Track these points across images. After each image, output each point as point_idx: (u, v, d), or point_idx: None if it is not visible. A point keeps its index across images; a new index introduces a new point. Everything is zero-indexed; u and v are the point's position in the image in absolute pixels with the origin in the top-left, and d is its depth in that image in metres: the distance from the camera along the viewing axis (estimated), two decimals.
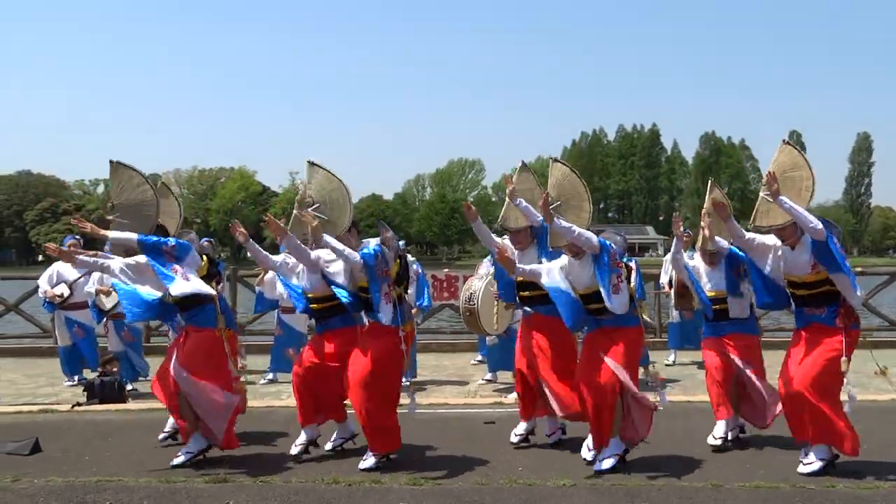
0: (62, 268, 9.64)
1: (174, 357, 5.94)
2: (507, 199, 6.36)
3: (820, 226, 5.24)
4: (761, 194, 5.52)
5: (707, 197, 6.13)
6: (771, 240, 5.60)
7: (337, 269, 5.88)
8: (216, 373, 5.89)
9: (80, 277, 9.52)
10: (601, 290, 5.57)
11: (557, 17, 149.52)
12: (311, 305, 6.14)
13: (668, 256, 6.17)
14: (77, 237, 9.57)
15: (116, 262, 5.83)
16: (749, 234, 5.68)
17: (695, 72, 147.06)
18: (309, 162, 5.95)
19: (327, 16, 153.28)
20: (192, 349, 5.90)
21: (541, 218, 5.96)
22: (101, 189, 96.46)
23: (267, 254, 6.19)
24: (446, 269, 12.94)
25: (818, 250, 5.35)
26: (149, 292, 5.74)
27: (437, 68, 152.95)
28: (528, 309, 6.37)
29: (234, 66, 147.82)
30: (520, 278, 6.09)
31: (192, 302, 5.89)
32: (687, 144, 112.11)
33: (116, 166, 6.03)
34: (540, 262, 6.10)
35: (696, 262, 6.47)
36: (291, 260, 6.13)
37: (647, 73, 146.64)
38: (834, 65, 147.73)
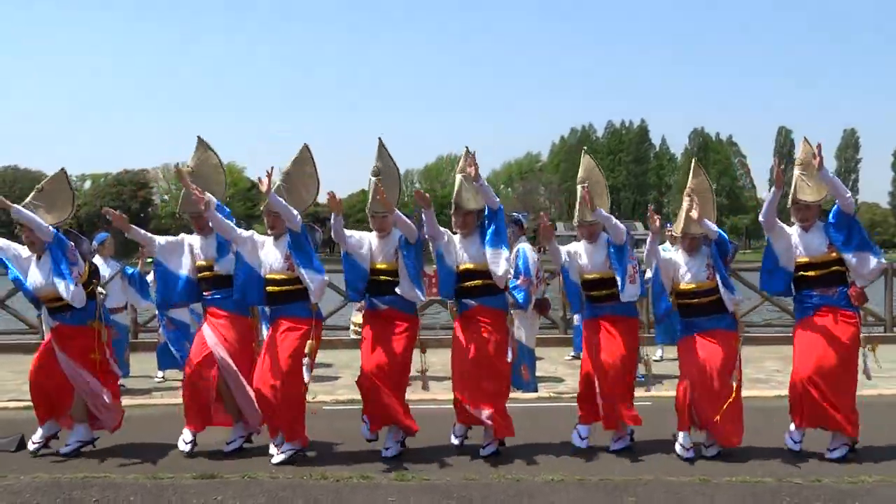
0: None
1: (217, 342, 5.98)
2: (460, 178, 6.13)
3: (851, 198, 5.72)
4: (796, 172, 5.89)
5: (690, 178, 6.13)
6: (788, 227, 5.95)
7: (366, 248, 6.04)
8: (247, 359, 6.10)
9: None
10: (617, 277, 5.94)
11: (546, 12, 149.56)
12: (269, 288, 5.93)
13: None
14: (110, 234, 9.91)
15: (160, 239, 6.25)
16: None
17: (684, 68, 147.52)
18: (380, 139, 6.18)
19: (315, 11, 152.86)
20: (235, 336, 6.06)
21: (497, 200, 6.01)
22: (88, 185, 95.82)
23: (148, 235, 6.29)
24: (435, 266, 12.88)
25: (841, 223, 5.74)
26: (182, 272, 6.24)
27: (425, 64, 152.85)
28: (471, 302, 6.06)
29: (222, 62, 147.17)
30: (462, 267, 6.03)
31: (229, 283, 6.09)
32: (675, 141, 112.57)
33: (201, 142, 6.39)
34: (483, 250, 5.96)
35: (671, 254, 6.23)
36: (259, 238, 6.05)
37: (635, 69, 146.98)
38: (821, 61, 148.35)
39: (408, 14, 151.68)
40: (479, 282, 5.99)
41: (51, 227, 5.93)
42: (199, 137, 6.37)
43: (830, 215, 5.83)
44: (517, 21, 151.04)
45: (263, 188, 5.63)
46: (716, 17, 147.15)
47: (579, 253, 6.22)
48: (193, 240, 6.29)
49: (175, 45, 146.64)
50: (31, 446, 6.08)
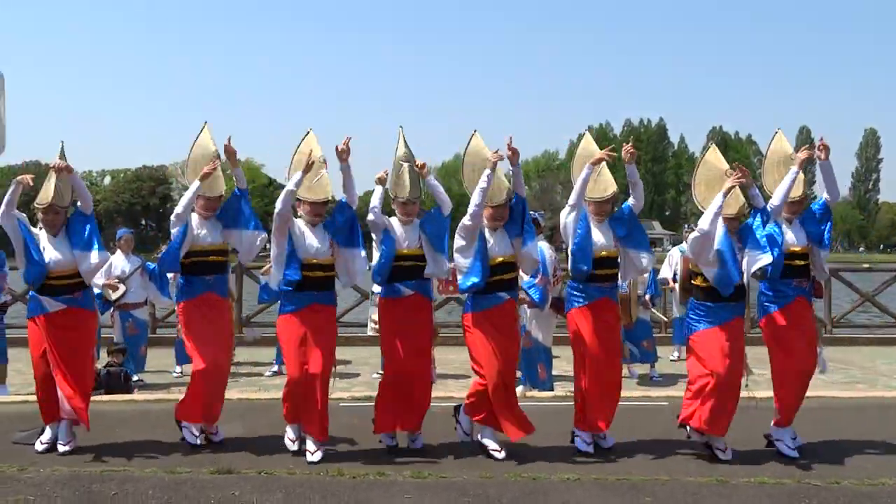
0: (116, 260, 9.63)
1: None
2: (489, 172, 5.82)
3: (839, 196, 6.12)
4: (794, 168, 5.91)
5: (720, 158, 6.06)
6: None
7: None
8: None
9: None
10: (635, 248, 6.01)
11: (564, 9, 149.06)
12: (315, 273, 5.88)
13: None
14: (131, 231, 10.26)
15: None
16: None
17: (702, 66, 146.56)
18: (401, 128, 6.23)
19: (331, 7, 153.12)
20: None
21: (524, 190, 6.02)
22: (107, 181, 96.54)
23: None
24: (452, 263, 12.89)
25: (824, 217, 5.98)
26: None
27: (443, 61, 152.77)
28: (504, 295, 5.97)
29: (240, 59, 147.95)
30: (499, 260, 5.89)
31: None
32: (694, 139, 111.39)
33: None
34: (512, 242, 5.92)
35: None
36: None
37: (654, 67, 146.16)
38: (842, 60, 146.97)
39: (424, 11, 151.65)
40: (513, 274, 6.00)
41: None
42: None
43: (815, 209, 6.00)
44: (534, 19, 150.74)
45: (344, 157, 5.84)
46: (735, 14, 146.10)
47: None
48: (193, 218, 6.18)
49: (194, 43, 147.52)
50: (38, 446, 5.99)
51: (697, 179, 6.13)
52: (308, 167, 5.77)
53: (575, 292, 6.09)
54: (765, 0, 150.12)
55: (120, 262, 9.59)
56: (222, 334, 6.17)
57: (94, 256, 5.95)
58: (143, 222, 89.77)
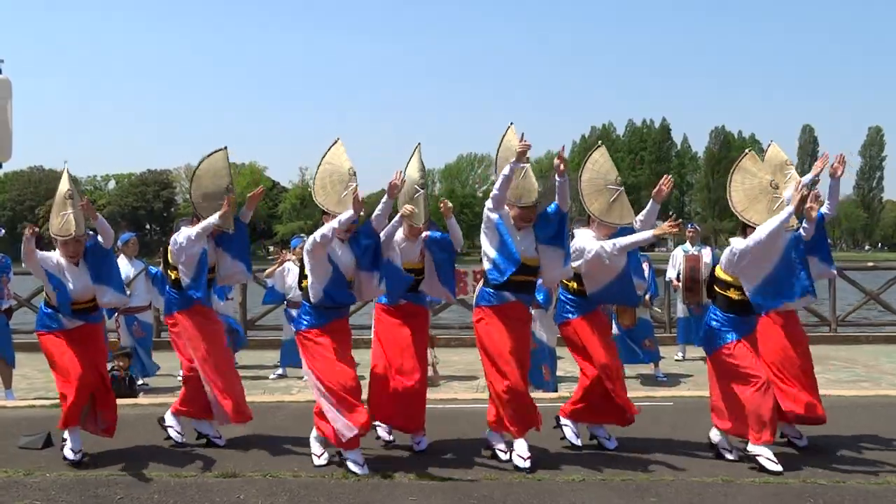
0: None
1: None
2: (515, 171, 5.61)
3: None
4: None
5: (754, 164, 5.77)
6: None
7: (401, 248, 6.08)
8: None
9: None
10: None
11: (567, 11, 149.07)
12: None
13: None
14: (136, 235, 10.42)
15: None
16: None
17: (705, 66, 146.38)
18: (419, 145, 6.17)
19: (336, 9, 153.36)
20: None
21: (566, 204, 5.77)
22: (112, 185, 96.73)
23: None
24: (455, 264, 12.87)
25: (819, 229, 6.05)
26: None
27: (446, 62, 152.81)
28: (512, 297, 5.83)
29: (244, 62, 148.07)
30: (528, 262, 5.74)
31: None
32: (697, 139, 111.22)
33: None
34: (537, 246, 5.77)
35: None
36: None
37: (657, 67, 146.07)
38: (846, 58, 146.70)
39: (429, 9, 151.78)
40: (531, 278, 5.84)
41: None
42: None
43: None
44: (536, 19, 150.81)
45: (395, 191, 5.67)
46: (738, 14, 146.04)
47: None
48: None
49: (198, 47, 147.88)
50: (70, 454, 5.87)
51: (734, 187, 5.70)
52: (356, 213, 5.54)
53: (569, 305, 6.11)
54: (767, 0, 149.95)
55: (124, 266, 9.61)
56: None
57: (114, 296, 6.19)
58: (148, 226, 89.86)
